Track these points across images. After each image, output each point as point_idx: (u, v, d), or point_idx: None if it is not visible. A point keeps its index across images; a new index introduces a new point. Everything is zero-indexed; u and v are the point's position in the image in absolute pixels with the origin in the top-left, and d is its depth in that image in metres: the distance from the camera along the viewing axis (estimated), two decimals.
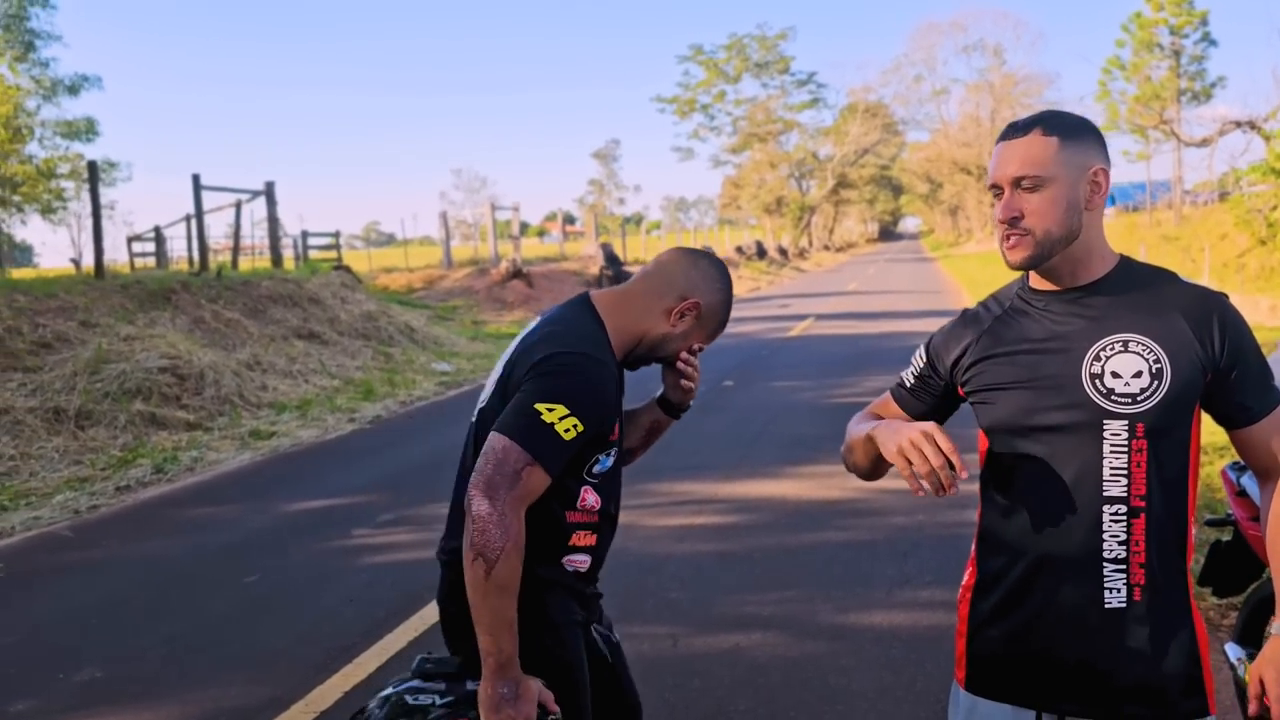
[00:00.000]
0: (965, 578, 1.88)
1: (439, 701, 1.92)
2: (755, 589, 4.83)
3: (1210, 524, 3.52)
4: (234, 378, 10.81)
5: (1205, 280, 21.53)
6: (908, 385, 1.94)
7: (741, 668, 3.97)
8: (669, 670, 3.95)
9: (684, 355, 2.20)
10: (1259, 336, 11.37)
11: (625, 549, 5.54)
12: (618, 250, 29.78)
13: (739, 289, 30.55)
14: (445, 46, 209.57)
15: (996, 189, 1.74)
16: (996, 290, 1.94)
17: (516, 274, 23.49)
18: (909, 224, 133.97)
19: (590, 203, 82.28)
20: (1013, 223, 1.70)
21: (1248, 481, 3.11)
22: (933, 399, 1.91)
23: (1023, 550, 1.74)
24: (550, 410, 1.86)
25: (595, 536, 2.11)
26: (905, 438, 1.66)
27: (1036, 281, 1.78)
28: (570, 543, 2.06)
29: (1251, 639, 3.34)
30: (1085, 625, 1.70)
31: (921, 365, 1.93)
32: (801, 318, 19.61)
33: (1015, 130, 1.74)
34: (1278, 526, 1.73)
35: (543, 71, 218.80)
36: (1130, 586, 1.68)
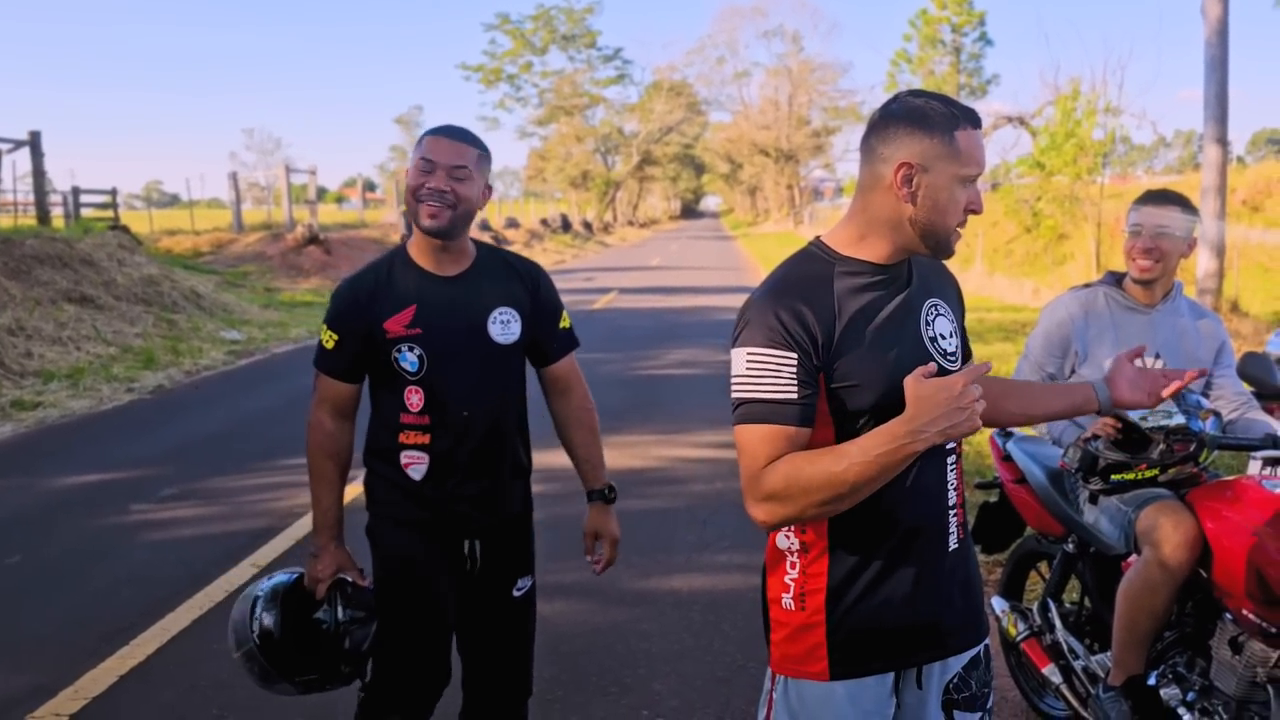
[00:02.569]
0: (801, 569, 1.77)
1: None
2: (557, 558, 4.83)
3: (980, 487, 3.79)
4: None
5: (977, 264, 23.13)
6: (798, 399, 1.63)
7: (544, 636, 3.95)
8: None
9: None
10: (1022, 316, 12.30)
11: None
12: None
13: (543, 261, 30.56)
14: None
15: (972, 180, 1.72)
16: (798, 257, 1.94)
17: (313, 240, 22.55)
18: (710, 202, 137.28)
19: (392, 169, 79.91)
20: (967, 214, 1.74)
21: (1013, 446, 3.36)
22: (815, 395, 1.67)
23: (890, 515, 1.72)
24: (323, 330, 2.42)
25: (428, 436, 2.31)
26: (952, 406, 1.52)
27: (857, 251, 1.75)
28: (400, 440, 2.35)
29: (1014, 593, 3.63)
30: (937, 572, 1.77)
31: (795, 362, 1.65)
32: (605, 291, 19.78)
33: (979, 121, 1.75)
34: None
35: (344, 31, 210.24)
36: (958, 526, 1.81)
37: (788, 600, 1.77)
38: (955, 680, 1.86)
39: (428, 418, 2.36)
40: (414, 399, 2.35)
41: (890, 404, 1.62)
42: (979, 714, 1.89)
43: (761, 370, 1.64)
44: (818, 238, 1.81)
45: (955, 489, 1.80)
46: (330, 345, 2.37)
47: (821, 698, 1.75)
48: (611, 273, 26.02)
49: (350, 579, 2.53)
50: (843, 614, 1.73)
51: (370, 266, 2.46)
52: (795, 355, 1.63)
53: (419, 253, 2.44)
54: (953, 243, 1.75)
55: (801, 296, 1.68)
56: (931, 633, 1.80)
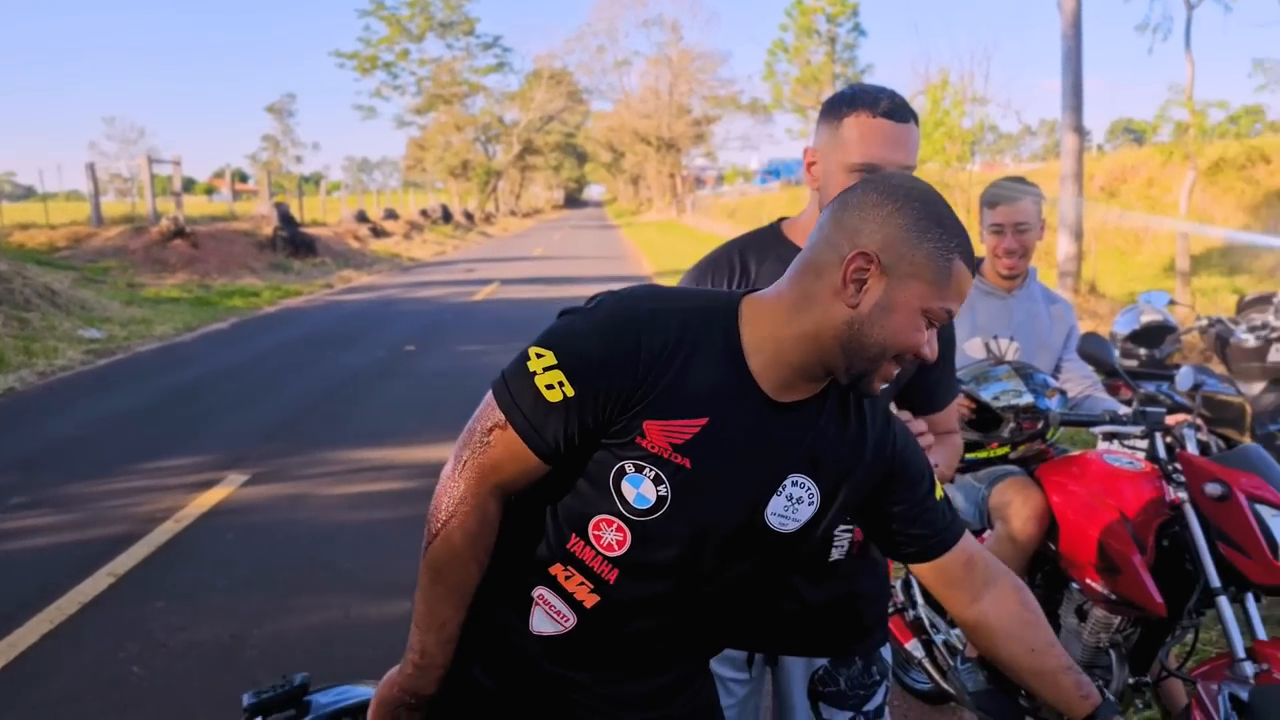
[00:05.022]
0: None
1: None
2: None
3: None
4: None
5: None
6: None
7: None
8: (341, 640, 3.82)
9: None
10: None
11: (294, 520, 5.32)
12: (294, 211, 28.18)
13: (422, 253, 30.08)
14: None
15: (875, 170, 1.64)
16: (738, 241, 1.93)
17: (179, 233, 21.63)
18: (593, 191, 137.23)
19: (264, 160, 77.41)
20: None
21: None
22: None
23: None
24: (539, 356, 1.39)
25: (598, 598, 1.42)
26: None
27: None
28: (550, 571, 1.43)
29: None
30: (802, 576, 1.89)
31: None
32: (487, 282, 19.56)
33: (903, 113, 1.69)
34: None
35: (211, 17, 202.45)
36: (851, 541, 1.92)
37: None
38: (821, 673, 1.89)
39: (615, 569, 1.44)
40: (608, 536, 1.41)
41: None
42: (850, 714, 1.92)
43: None
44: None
45: None
46: (554, 397, 1.35)
47: None
48: (493, 264, 25.76)
49: None
50: None
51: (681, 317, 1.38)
52: None
53: None
54: None
55: None
56: (782, 634, 1.87)
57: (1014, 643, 1.50)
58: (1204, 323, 5.39)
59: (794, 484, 1.41)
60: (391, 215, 36.86)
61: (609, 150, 76.85)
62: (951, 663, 3.02)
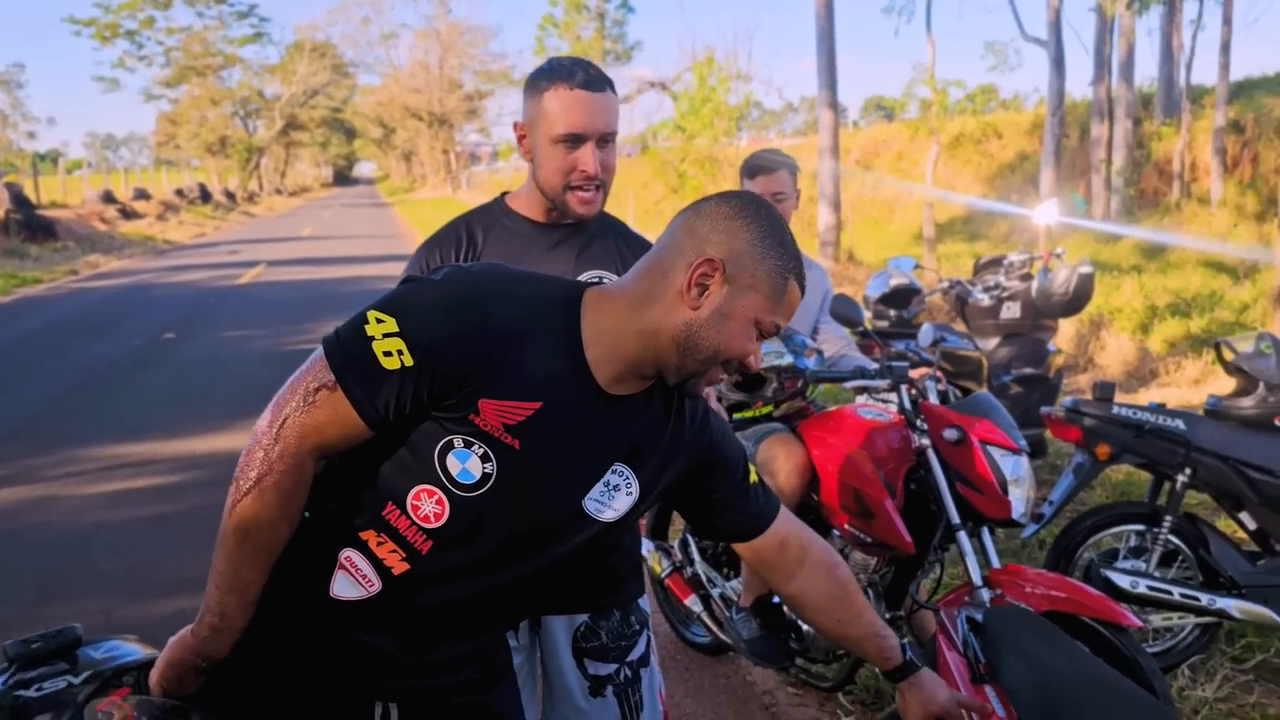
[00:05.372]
0: None
1: (76, 681, 1.50)
2: (202, 549, 4.53)
3: None
4: None
5: (631, 223, 24.10)
6: None
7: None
8: None
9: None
10: None
11: (44, 524, 4.92)
12: (29, 192, 25.76)
13: (180, 235, 28.24)
14: None
15: (577, 139, 1.79)
16: (465, 215, 2.02)
17: None
18: (365, 169, 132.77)
19: None
20: (597, 177, 1.82)
21: None
22: None
23: None
24: (379, 321, 1.34)
25: (408, 566, 1.40)
26: None
27: (532, 213, 1.95)
28: (360, 535, 1.40)
29: (660, 533, 3.83)
30: None
31: None
32: (252, 264, 18.59)
33: (598, 83, 1.79)
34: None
35: None
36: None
37: None
38: (582, 629, 1.95)
39: (429, 540, 1.42)
40: (425, 506, 1.39)
41: None
42: (615, 665, 1.98)
43: None
44: None
45: None
46: (391, 364, 1.31)
47: None
48: (259, 245, 24.50)
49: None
50: None
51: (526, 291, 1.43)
52: None
53: None
54: (579, 210, 1.90)
55: None
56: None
57: (823, 615, 1.66)
58: (946, 285, 5.83)
59: (614, 473, 1.46)
60: (143, 195, 34.35)
61: (379, 126, 74.48)
62: (728, 614, 3.16)
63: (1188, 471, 3.38)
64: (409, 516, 1.39)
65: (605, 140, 1.84)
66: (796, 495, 2.88)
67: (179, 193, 39.10)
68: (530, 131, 1.83)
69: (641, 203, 26.42)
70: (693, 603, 3.33)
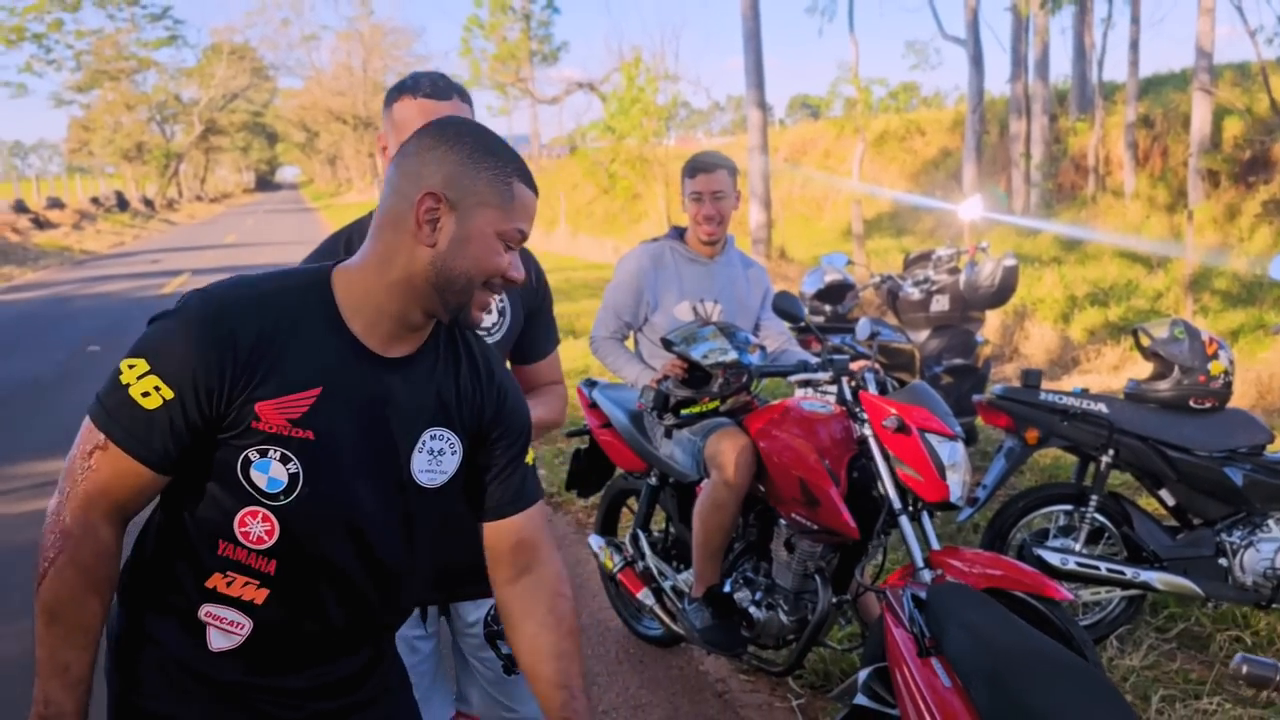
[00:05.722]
0: None
1: None
2: None
3: (570, 435, 4.01)
4: None
5: (562, 225, 24.09)
6: None
7: None
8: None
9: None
10: (606, 274, 12.99)
11: None
12: None
13: (97, 244, 27.50)
14: None
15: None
16: (347, 228, 2.15)
17: None
18: (288, 173, 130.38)
19: None
20: None
21: (598, 394, 3.60)
22: None
23: None
24: (130, 367, 1.33)
25: (266, 591, 1.40)
26: None
27: None
28: (208, 585, 1.39)
29: (609, 529, 3.90)
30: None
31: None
32: (176, 273, 18.19)
33: (444, 91, 1.86)
34: None
35: None
36: None
37: None
38: (492, 612, 2.07)
39: (272, 561, 1.42)
40: (255, 527, 1.39)
41: None
42: None
43: None
44: None
45: None
46: (151, 404, 1.31)
47: None
48: (181, 253, 23.99)
49: None
50: None
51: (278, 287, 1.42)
52: None
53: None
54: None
55: None
56: (443, 578, 1.99)
57: (522, 638, 1.55)
58: (877, 280, 5.99)
59: (433, 438, 1.46)
60: (57, 204, 33.36)
61: (302, 129, 73.23)
62: (680, 605, 3.25)
63: (1111, 453, 3.55)
64: (243, 545, 1.37)
65: None
66: (744, 486, 2.97)
67: (95, 201, 38.06)
68: (389, 143, 1.89)
69: (573, 203, 26.44)
70: (645, 596, 3.41)
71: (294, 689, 1.45)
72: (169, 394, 1.30)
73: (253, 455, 1.34)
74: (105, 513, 1.33)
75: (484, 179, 1.36)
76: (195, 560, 1.39)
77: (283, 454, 1.34)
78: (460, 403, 1.49)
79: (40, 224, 28.27)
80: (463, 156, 1.36)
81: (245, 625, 1.40)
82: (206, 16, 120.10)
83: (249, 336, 1.32)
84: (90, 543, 1.32)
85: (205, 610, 1.39)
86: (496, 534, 1.56)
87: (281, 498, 1.36)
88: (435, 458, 1.46)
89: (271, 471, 1.35)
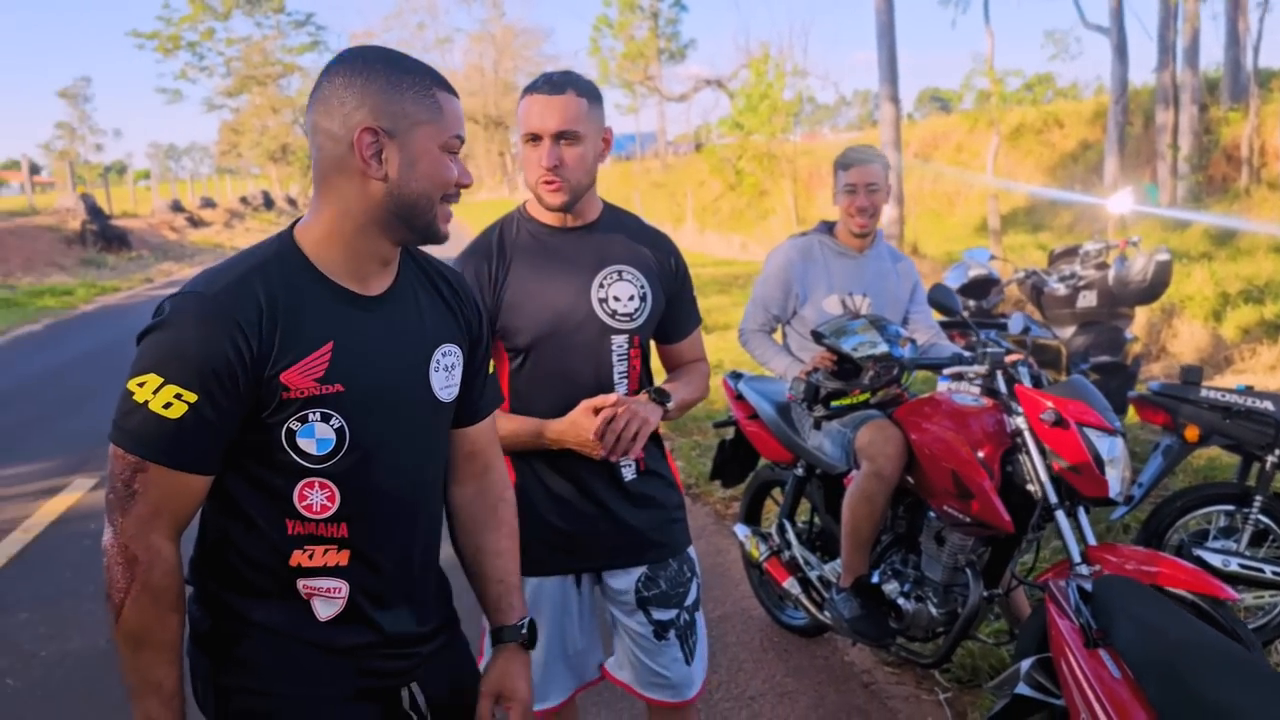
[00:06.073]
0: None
1: None
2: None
3: (717, 426, 4.09)
4: None
5: (689, 222, 24.19)
6: None
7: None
8: None
9: None
10: (734, 269, 13.05)
11: None
12: (101, 203, 26.55)
13: (247, 241, 28.79)
14: None
15: (536, 138, 2.00)
16: (496, 224, 2.19)
17: None
18: None
19: (60, 149, 72.36)
20: (554, 170, 1.99)
21: (744, 386, 3.66)
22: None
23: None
24: (140, 385, 1.33)
25: (347, 552, 1.46)
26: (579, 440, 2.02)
27: (546, 218, 2.11)
28: (292, 564, 1.44)
29: (753, 519, 3.96)
30: (601, 502, 2.14)
31: None
32: None
33: (552, 87, 1.99)
34: None
35: None
36: (635, 462, 2.16)
37: None
38: (642, 579, 2.18)
39: (343, 524, 1.47)
40: (314, 496, 1.44)
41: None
42: (675, 610, 2.21)
43: None
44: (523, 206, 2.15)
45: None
46: (176, 413, 1.33)
47: (532, 590, 2.13)
48: None
49: None
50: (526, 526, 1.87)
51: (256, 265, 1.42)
52: None
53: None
54: (547, 199, 2.06)
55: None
56: (597, 547, 2.15)
57: (467, 535, 1.70)
58: (1021, 275, 5.87)
59: (444, 354, 1.55)
60: (209, 204, 35.24)
61: None
62: (827, 595, 3.28)
63: (1277, 452, 3.43)
64: (310, 519, 1.42)
65: (564, 137, 1.99)
66: (895, 478, 2.99)
67: (243, 200, 40.05)
68: (517, 140, 2.07)
69: (699, 200, 26.51)
70: (790, 585, 3.46)
71: (398, 635, 1.52)
72: (192, 397, 1.31)
73: (294, 425, 1.38)
74: (164, 531, 1.36)
75: (409, 99, 1.38)
76: (271, 547, 1.43)
77: (322, 413, 1.39)
78: (453, 315, 1.59)
79: (194, 223, 29.93)
80: (382, 83, 1.36)
81: (342, 588, 1.46)
82: (346, 22, 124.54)
83: (252, 316, 1.34)
84: (159, 564, 1.35)
85: (302, 584, 1.45)
86: (456, 441, 1.67)
87: (334, 455, 1.41)
88: (449, 372, 1.55)
89: (318, 433, 1.39)
